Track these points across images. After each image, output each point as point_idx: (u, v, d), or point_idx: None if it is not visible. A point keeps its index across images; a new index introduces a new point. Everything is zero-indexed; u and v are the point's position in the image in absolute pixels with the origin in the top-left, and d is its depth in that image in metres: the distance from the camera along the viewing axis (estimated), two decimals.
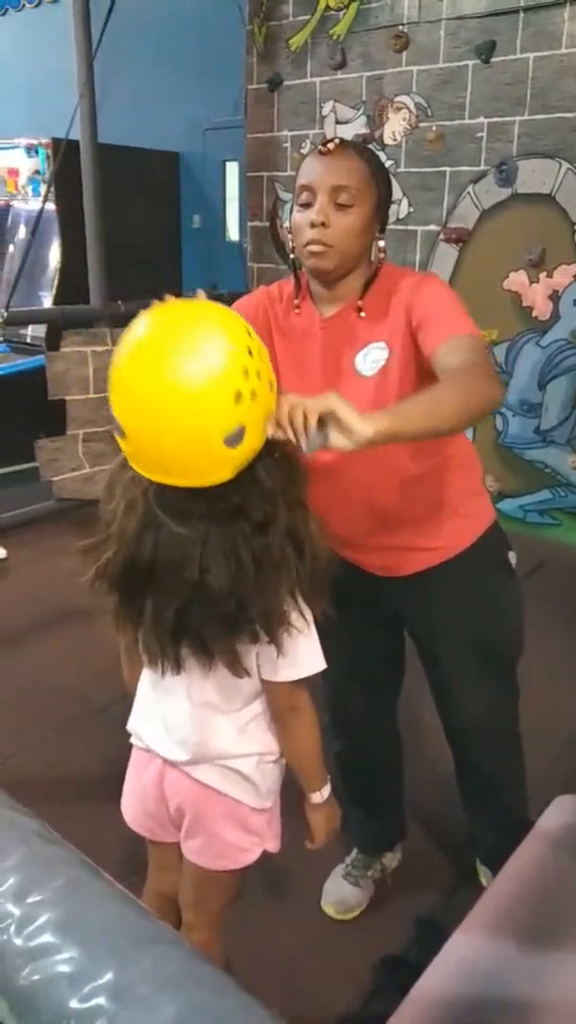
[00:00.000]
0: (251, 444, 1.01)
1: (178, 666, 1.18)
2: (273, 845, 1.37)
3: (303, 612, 1.18)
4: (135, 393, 0.97)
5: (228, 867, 1.35)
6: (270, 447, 1.06)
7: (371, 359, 1.46)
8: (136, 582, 1.08)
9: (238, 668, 1.16)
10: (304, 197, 1.43)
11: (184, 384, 0.94)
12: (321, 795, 1.34)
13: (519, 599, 1.71)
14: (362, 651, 1.75)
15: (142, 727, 1.35)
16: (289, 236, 1.53)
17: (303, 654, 1.21)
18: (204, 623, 1.10)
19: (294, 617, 1.15)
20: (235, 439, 0.98)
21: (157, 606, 1.10)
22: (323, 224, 1.40)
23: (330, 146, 1.42)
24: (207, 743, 1.26)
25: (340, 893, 1.94)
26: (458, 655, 1.66)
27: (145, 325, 0.99)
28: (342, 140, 1.44)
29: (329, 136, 4.28)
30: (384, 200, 1.47)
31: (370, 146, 4.14)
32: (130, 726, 1.38)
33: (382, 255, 1.49)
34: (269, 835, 1.36)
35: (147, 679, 1.33)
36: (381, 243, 1.49)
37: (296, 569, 1.11)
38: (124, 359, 0.98)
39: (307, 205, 1.42)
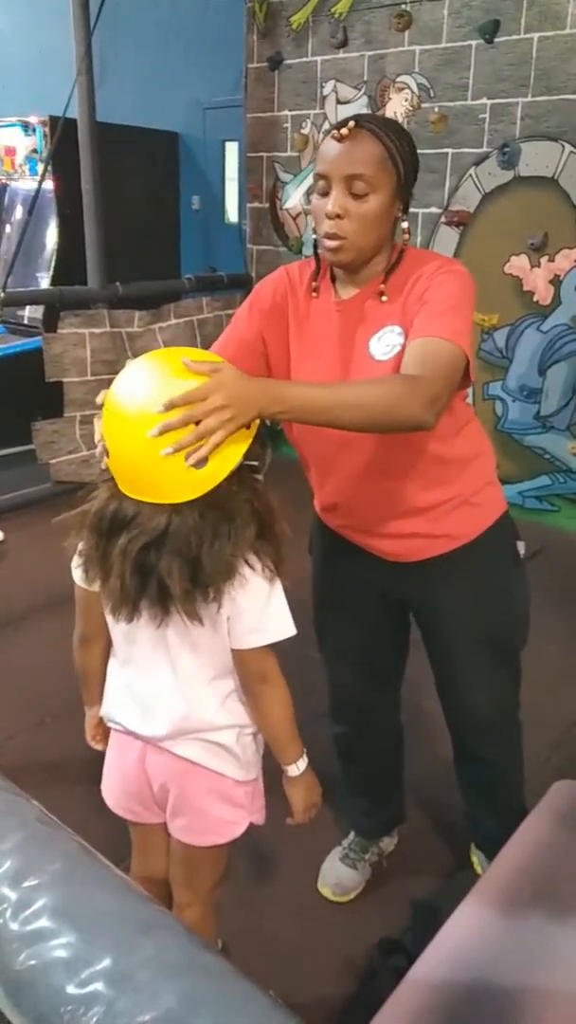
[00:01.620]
0: (215, 469, 1.09)
1: (132, 613, 1.19)
2: (258, 817, 1.39)
3: (269, 576, 1.20)
4: (111, 412, 1.11)
5: (216, 842, 1.36)
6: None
7: (385, 343, 1.42)
8: (114, 524, 1.15)
9: (192, 613, 1.16)
10: (321, 185, 1.39)
11: (148, 401, 1.06)
12: (297, 768, 1.34)
13: (526, 589, 1.69)
14: (368, 636, 1.75)
15: (117, 711, 1.35)
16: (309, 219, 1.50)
17: (270, 619, 1.22)
18: (165, 562, 1.12)
19: (250, 577, 1.18)
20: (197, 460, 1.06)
21: (129, 540, 1.13)
22: (338, 216, 1.36)
23: (344, 131, 1.35)
24: (190, 715, 1.27)
25: (337, 876, 1.94)
26: (462, 642, 1.66)
27: (139, 360, 1.14)
28: (358, 121, 1.36)
29: (330, 116, 4.28)
30: (407, 180, 1.41)
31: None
32: (103, 712, 1.38)
33: (406, 236, 1.45)
34: (254, 807, 1.38)
35: (118, 661, 1.34)
36: (404, 224, 1.44)
37: (253, 530, 1.16)
38: (112, 386, 1.12)
39: (324, 194, 1.38)
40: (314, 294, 1.50)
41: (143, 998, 0.55)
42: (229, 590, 1.17)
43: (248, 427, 1.12)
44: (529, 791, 1.81)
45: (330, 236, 1.38)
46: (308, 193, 4.51)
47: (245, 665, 1.26)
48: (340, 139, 1.35)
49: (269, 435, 1.22)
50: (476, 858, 1.95)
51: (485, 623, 1.63)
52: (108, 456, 1.14)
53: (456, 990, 1.27)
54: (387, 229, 1.42)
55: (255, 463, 1.18)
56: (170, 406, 1.03)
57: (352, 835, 1.99)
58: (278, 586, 1.23)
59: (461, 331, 1.31)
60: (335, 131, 1.36)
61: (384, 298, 1.43)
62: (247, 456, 1.14)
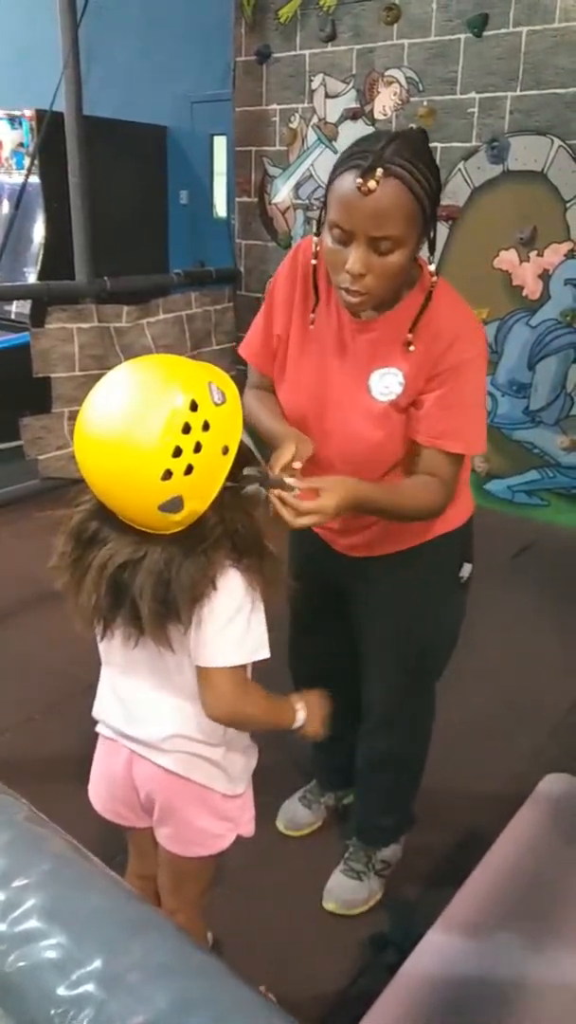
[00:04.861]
0: (193, 508, 1.06)
1: (104, 631, 1.17)
2: (247, 830, 1.36)
3: (251, 595, 1.14)
4: (84, 437, 1.04)
5: (200, 854, 1.33)
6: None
7: (384, 384, 1.42)
8: (96, 536, 1.11)
9: (162, 639, 1.12)
10: (337, 234, 1.29)
11: (113, 466, 1.02)
12: (299, 722, 1.30)
13: (457, 615, 1.70)
14: (315, 618, 1.79)
15: (105, 712, 1.33)
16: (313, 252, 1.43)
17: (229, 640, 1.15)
18: (139, 582, 1.08)
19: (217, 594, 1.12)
20: (171, 507, 1.04)
21: (110, 556, 1.10)
22: (361, 275, 1.29)
23: (371, 184, 1.21)
24: (175, 734, 1.23)
25: (293, 813, 2.07)
26: (380, 645, 1.68)
27: (107, 388, 1.05)
28: (386, 169, 1.22)
29: (319, 110, 4.26)
30: (432, 218, 1.32)
31: (363, 119, 4.12)
32: (95, 712, 1.35)
33: (434, 279, 1.38)
34: (242, 820, 1.35)
35: (107, 667, 1.31)
36: (432, 267, 1.39)
37: (226, 548, 1.11)
38: (84, 409, 1.05)
39: (342, 244, 1.29)
40: (313, 314, 1.47)
41: (134, 1000, 0.54)
42: (199, 611, 1.11)
43: (225, 452, 1.07)
44: (522, 783, 1.81)
45: (351, 292, 1.32)
46: (297, 188, 4.50)
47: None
48: (367, 193, 1.22)
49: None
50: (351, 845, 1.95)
51: (404, 635, 1.65)
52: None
53: (448, 984, 1.26)
54: (409, 270, 1.36)
55: (237, 484, 1.13)
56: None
57: (313, 783, 2.12)
58: (256, 607, 1.16)
59: (471, 439, 1.45)
60: (360, 181, 1.23)
61: (411, 348, 1.40)
62: (234, 477, 1.11)
